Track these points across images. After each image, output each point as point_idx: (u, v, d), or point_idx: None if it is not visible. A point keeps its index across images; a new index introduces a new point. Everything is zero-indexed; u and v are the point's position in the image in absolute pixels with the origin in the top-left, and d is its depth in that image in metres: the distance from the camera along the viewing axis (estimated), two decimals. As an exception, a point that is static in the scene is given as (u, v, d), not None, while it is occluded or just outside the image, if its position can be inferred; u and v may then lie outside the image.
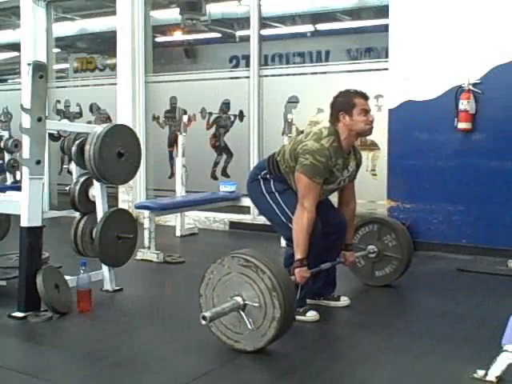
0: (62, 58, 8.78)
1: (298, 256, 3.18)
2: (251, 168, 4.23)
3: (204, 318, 2.63)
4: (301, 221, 3.16)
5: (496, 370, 2.45)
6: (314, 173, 3.16)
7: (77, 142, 3.94)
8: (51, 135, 5.47)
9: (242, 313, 2.73)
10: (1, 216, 4.36)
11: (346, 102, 3.29)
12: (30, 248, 3.36)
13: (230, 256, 2.80)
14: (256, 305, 2.69)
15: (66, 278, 3.60)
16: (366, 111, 3.28)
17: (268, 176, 3.40)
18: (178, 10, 7.04)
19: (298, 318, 3.29)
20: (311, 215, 3.16)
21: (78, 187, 3.89)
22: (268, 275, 2.66)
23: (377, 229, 4.00)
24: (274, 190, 3.37)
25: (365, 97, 3.32)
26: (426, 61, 5.17)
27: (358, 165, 3.51)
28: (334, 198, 3.63)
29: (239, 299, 2.73)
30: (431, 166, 5.20)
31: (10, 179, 6.96)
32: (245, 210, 6.27)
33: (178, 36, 7.72)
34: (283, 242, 4.32)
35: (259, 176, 3.43)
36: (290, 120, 5.79)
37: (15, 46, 8.34)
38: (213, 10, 7.26)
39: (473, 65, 4.96)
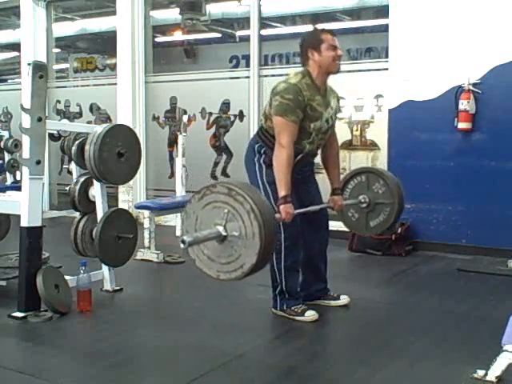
0: (62, 58, 8.78)
1: (281, 193, 3.16)
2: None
3: (183, 241, 2.58)
4: (280, 158, 3.17)
5: (496, 369, 2.45)
6: (283, 110, 3.17)
7: (77, 142, 3.95)
8: (51, 135, 5.48)
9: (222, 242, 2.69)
10: (1, 216, 4.36)
11: (313, 39, 3.33)
12: (30, 248, 3.36)
13: (211, 185, 2.75)
14: (236, 234, 2.65)
15: (66, 277, 3.60)
16: (334, 47, 3.30)
17: (263, 156, 3.36)
18: (177, 10, 7.04)
19: (297, 318, 3.30)
20: (289, 151, 3.16)
21: (78, 187, 3.89)
22: (248, 201, 2.60)
23: (365, 179, 3.94)
24: (265, 179, 3.35)
25: (332, 33, 3.34)
26: (425, 61, 5.17)
27: (338, 100, 3.54)
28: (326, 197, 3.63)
29: (220, 228, 2.69)
30: (431, 166, 5.20)
31: (10, 179, 6.96)
32: (245, 210, 6.25)
33: (178, 36, 7.73)
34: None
35: (255, 158, 3.40)
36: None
37: (15, 46, 8.35)
38: (213, 10, 7.26)
39: (473, 65, 4.96)
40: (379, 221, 3.90)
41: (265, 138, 3.37)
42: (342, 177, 3.75)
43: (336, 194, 3.60)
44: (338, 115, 3.62)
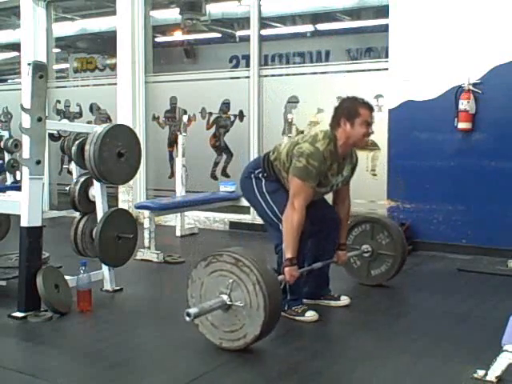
0: (62, 58, 8.78)
1: (287, 255, 3.18)
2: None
3: (188, 314, 2.61)
4: (290, 221, 3.17)
5: (496, 369, 2.45)
6: (306, 176, 3.16)
7: (77, 142, 3.95)
8: (51, 135, 5.49)
9: (226, 311, 2.73)
10: (1, 216, 4.36)
11: (350, 110, 3.25)
12: (30, 248, 3.36)
13: (217, 253, 2.79)
14: (241, 304, 2.69)
15: (66, 277, 3.60)
16: (368, 124, 3.26)
17: (261, 175, 3.41)
18: (178, 10, 7.04)
19: (297, 318, 3.30)
20: (301, 216, 3.16)
21: (78, 187, 3.89)
22: (254, 273, 2.65)
23: (369, 228, 4.00)
24: (264, 190, 3.38)
25: (371, 108, 3.29)
26: (425, 61, 5.17)
27: (354, 168, 3.50)
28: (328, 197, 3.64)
29: (225, 297, 2.73)
30: (431, 165, 5.20)
31: (10, 179, 6.96)
32: (245, 210, 6.26)
33: (178, 36, 7.73)
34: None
35: (252, 175, 3.44)
36: (290, 120, 5.79)
37: (15, 46, 8.35)
38: (213, 10, 7.27)
39: (473, 65, 4.96)
40: (381, 271, 3.98)
41: (267, 169, 3.40)
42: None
43: (341, 249, 3.63)
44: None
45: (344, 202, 3.58)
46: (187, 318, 2.61)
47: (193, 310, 2.63)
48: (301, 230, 3.17)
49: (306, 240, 3.30)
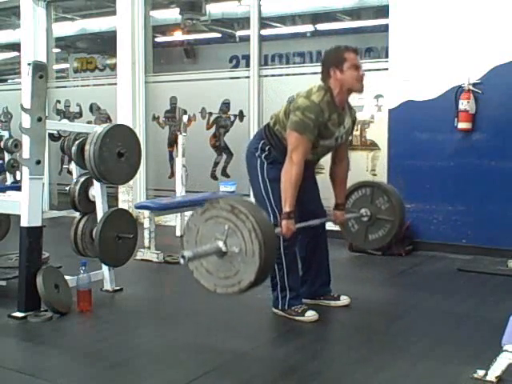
0: (62, 58, 8.79)
1: (285, 209, 3.17)
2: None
3: (183, 257, 2.58)
4: (289, 174, 3.16)
5: (496, 369, 2.45)
6: (303, 129, 3.16)
7: (77, 142, 3.95)
8: (51, 135, 5.47)
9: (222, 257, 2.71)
10: (1, 216, 4.36)
11: (336, 57, 3.29)
12: (30, 248, 3.36)
13: (212, 201, 2.77)
14: (236, 250, 2.66)
15: (66, 277, 3.60)
16: (357, 66, 3.27)
17: (266, 152, 3.36)
18: (178, 10, 7.04)
19: (297, 318, 3.30)
20: (299, 169, 3.16)
21: (78, 187, 3.89)
22: (250, 220, 2.61)
23: (369, 192, 3.96)
24: (266, 175, 3.35)
25: (355, 51, 3.32)
26: (426, 61, 5.17)
27: (354, 121, 3.51)
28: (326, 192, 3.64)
29: (220, 243, 2.70)
30: (431, 165, 5.20)
31: (10, 179, 6.96)
32: (245, 210, 6.26)
33: (178, 36, 7.73)
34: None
35: (257, 153, 3.40)
36: (290, 120, 5.78)
37: (15, 46, 8.35)
38: (213, 10, 7.27)
39: (473, 65, 4.96)
40: (378, 236, 3.94)
41: (271, 138, 3.37)
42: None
43: (339, 209, 3.62)
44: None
45: (342, 160, 3.57)
46: (181, 261, 2.54)
47: (187, 253, 2.58)
48: (299, 183, 3.17)
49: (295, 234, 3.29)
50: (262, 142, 3.40)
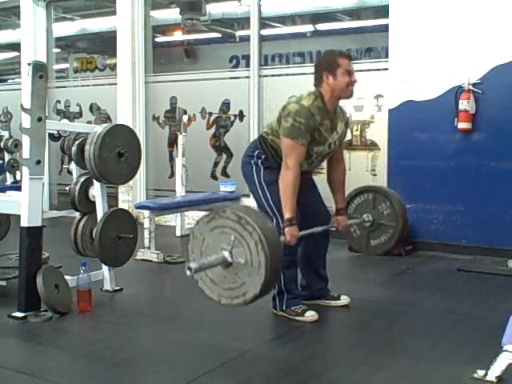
0: (61, 58, 8.79)
1: (286, 215, 3.17)
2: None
3: (189, 268, 2.59)
4: (286, 180, 3.17)
5: (496, 369, 2.45)
6: (294, 134, 3.16)
7: (77, 142, 3.95)
8: (51, 135, 5.47)
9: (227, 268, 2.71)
10: (1, 216, 4.36)
11: (330, 63, 3.28)
12: (30, 248, 3.36)
13: (221, 209, 2.77)
14: (242, 262, 2.66)
15: (66, 277, 3.60)
16: (350, 72, 3.28)
17: (260, 162, 3.38)
18: (178, 10, 7.04)
19: (297, 318, 3.30)
20: (295, 174, 3.16)
21: (78, 187, 3.89)
22: (257, 231, 2.61)
23: (371, 198, 3.97)
24: (262, 180, 3.36)
25: (349, 57, 3.32)
26: (426, 61, 5.17)
27: (347, 125, 3.51)
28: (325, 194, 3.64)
29: (226, 253, 2.70)
30: (431, 165, 5.20)
31: (10, 179, 6.96)
32: (245, 210, 6.26)
33: (178, 36, 7.73)
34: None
35: (252, 161, 3.41)
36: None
37: (15, 46, 8.35)
38: (213, 10, 7.27)
39: (473, 65, 4.96)
40: (380, 241, 3.95)
41: (265, 148, 3.38)
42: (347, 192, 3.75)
43: (340, 214, 3.61)
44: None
45: (339, 163, 3.57)
46: (188, 273, 2.56)
47: (193, 265, 2.59)
48: (297, 189, 3.17)
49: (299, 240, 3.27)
50: (257, 151, 3.41)
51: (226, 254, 2.64)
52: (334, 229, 3.65)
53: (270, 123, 3.41)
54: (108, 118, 7.36)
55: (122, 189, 6.77)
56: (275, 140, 3.32)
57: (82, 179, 3.91)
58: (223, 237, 2.69)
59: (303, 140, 3.18)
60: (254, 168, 3.40)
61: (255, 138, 3.65)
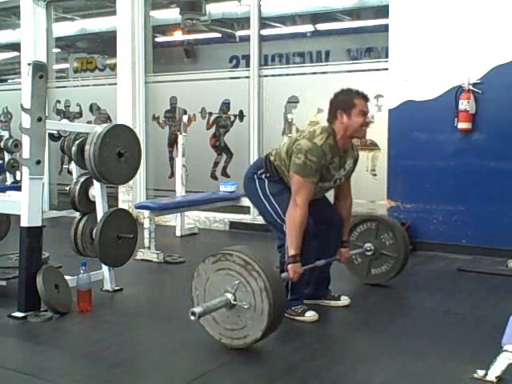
0: (61, 58, 8.79)
1: (291, 252, 3.18)
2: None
3: (193, 313, 2.61)
4: (293, 217, 3.17)
5: (496, 369, 2.45)
6: (306, 172, 3.17)
7: (77, 142, 3.95)
8: (51, 135, 5.48)
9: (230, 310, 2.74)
10: (1, 216, 4.36)
11: (346, 101, 3.27)
12: (30, 248, 3.36)
13: (227, 252, 2.79)
14: (246, 306, 2.70)
15: (66, 277, 3.60)
16: (365, 113, 3.27)
17: (264, 176, 3.41)
18: (178, 10, 7.05)
19: (297, 318, 3.30)
20: (303, 212, 3.17)
21: (78, 187, 3.89)
22: (263, 278, 2.65)
23: (374, 227, 4.00)
24: (268, 191, 3.38)
25: (366, 98, 3.30)
26: (426, 61, 5.17)
27: (356, 162, 3.50)
28: (330, 196, 3.64)
29: (230, 296, 2.73)
30: (431, 165, 5.20)
31: (10, 179, 6.96)
32: (245, 210, 6.27)
33: (178, 36, 7.74)
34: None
35: (255, 176, 3.44)
36: (290, 120, 5.80)
37: (15, 46, 8.35)
38: (213, 10, 7.28)
39: (473, 65, 4.96)
40: (381, 271, 3.99)
41: (269, 169, 3.39)
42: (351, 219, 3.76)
43: (344, 246, 3.63)
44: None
45: (346, 198, 3.58)
46: (192, 317, 2.61)
47: (198, 309, 2.63)
48: (304, 227, 3.17)
49: (309, 241, 3.27)
50: (261, 170, 3.43)
51: (230, 296, 2.70)
52: (336, 261, 3.67)
53: (278, 151, 3.40)
54: (108, 118, 7.36)
55: (122, 189, 6.77)
56: (281, 167, 3.35)
57: (82, 179, 3.91)
58: (228, 278, 2.76)
59: (314, 178, 3.19)
60: (258, 182, 3.42)
61: (261, 157, 3.66)
